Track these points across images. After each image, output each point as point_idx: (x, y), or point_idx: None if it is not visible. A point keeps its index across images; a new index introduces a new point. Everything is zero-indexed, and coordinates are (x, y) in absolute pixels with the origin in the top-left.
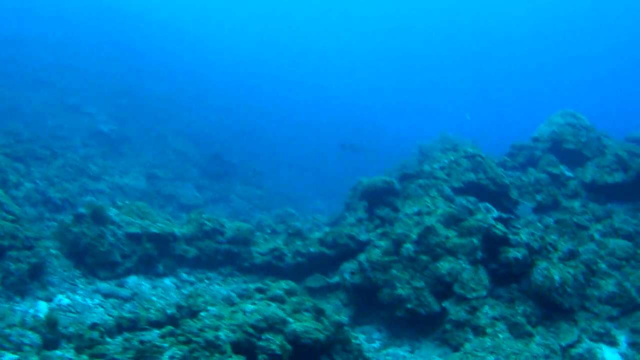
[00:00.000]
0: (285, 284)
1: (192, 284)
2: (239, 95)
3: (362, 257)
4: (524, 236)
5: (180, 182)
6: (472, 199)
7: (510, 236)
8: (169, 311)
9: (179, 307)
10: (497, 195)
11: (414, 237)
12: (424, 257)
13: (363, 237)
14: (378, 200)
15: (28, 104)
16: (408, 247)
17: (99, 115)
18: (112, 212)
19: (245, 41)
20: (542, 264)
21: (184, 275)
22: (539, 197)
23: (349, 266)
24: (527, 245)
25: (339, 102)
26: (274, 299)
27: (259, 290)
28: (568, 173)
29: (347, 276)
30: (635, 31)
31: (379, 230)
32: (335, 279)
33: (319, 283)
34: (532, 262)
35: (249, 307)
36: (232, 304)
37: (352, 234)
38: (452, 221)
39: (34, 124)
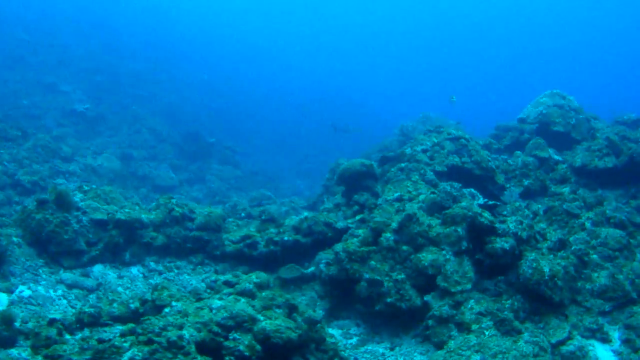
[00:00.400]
0: (256, 277)
1: (160, 273)
2: (219, 73)
3: (338, 246)
4: (511, 225)
5: (155, 162)
6: (456, 184)
7: (497, 225)
8: (132, 305)
9: (143, 301)
10: (483, 180)
11: (395, 225)
12: (405, 248)
13: (340, 224)
14: (356, 184)
15: (3, 83)
16: (388, 237)
17: (75, 93)
18: (78, 197)
19: (226, 18)
20: (531, 255)
21: (152, 264)
22: (526, 182)
23: (325, 256)
24: (515, 235)
25: (322, 81)
26: (243, 293)
27: (228, 284)
28: (557, 157)
29: (322, 267)
30: (621, 14)
31: (358, 217)
32: (311, 269)
33: (293, 274)
34: (521, 253)
35: (216, 302)
36: (199, 298)
37: (328, 221)
38: (435, 208)
39: (8, 104)
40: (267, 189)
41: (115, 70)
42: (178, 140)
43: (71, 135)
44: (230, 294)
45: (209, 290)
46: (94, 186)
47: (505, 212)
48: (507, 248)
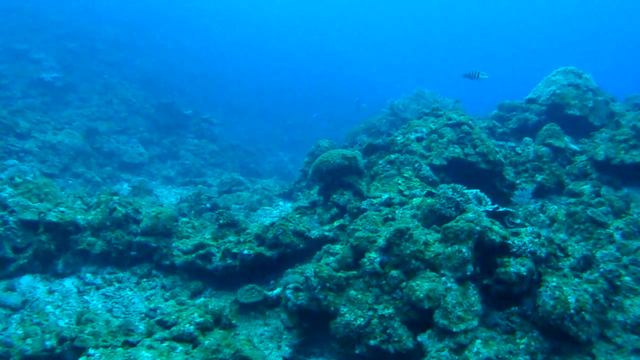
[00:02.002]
0: (202, 310)
1: (97, 287)
2: (199, 39)
3: (309, 269)
4: (526, 239)
5: (125, 136)
6: (459, 187)
7: (511, 241)
8: (48, 343)
9: (61, 339)
10: (489, 176)
11: (382, 242)
12: (394, 273)
13: (315, 232)
14: (336, 181)
15: None
16: (372, 258)
17: (47, 61)
18: (7, 192)
19: None
20: (552, 281)
21: (89, 276)
22: (539, 177)
23: (293, 278)
24: (533, 254)
25: (312, 49)
26: (181, 338)
27: (162, 324)
28: (574, 146)
29: (289, 294)
30: None
31: (336, 223)
32: (277, 291)
33: (254, 298)
34: (539, 277)
35: (143, 355)
36: (125, 341)
37: (300, 229)
38: (433, 218)
39: None
40: (246, 165)
41: (91, 36)
42: (151, 112)
43: (37, 108)
44: (164, 339)
45: (142, 328)
46: (29, 177)
47: (517, 220)
48: (524, 273)
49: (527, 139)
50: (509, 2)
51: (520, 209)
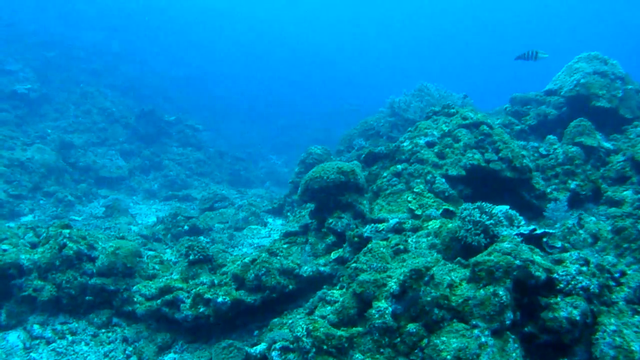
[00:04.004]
0: None
1: (47, 342)
2: (185, 42)
3: (299, 327)
4: (573, 268)
5: (104, 148)
6: (487, 205)
7: (557, 275)
8: None
9: None
10: (515, 185)
11: (394, 287)
12: (412, 327)
13: (307, 269)
14: (332, 200)
15: None
16: (382, 309)
17: (23, 72)
18: None
19: None
20: (610, 323)
21: (37, 328)
22: (573, 184)
23: (280, 334)
24: (585, 290)
25: (304, 47)
26: None
27: None
28: (607, 144)
29: (276, 357)
30: None
31: (334, 255)
32: (262, 346)
33: (231, 359)
34: (594, 319)
35: None
36: None
37: (288, 266)
38: (456, 248)
39: None
40: (236, 172)
41: (69, 44)
42: (132, 121)
43: (9, 122)
44: None
45: None
46: None
47: (557, 243)
48: (577, 318)
49: (552, 137)
50: None
51: (557, 226)
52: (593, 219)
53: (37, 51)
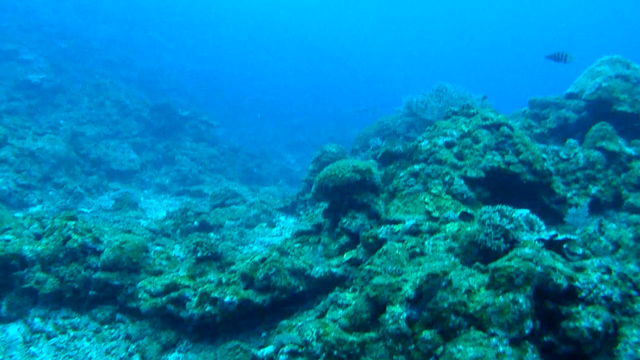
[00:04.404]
0: None
1: (48, 336)
2: (201, 37)
3: (309, 330)
4: (595, 277)
5: (116, 141)
6: (507, 209)
7: (579, 283)
8: None
9: None
10: (535, 189)
11: (409, 291)
12: (427, 334)
13: (319, 270)
14: (346, 200)
15: None
16: (397, 314)
17: (37, 62)
18: None
19: None
20: (632, 335)
21: (37, 322)
22: (594, 189)
23: (288, 337)
24: (607, 300)
25: (318, 45)
26: None
27: None
28: (629, 150)
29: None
30: None
31: (347, 257)
32: (270, 349)
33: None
34: (615, 331)
35: None
36: None
37: (299, 266)
38: (474, 252)
39: None
40: (249, 169)
41: (86, 35)
42: (145, 114)
43: (21, 111)
44: None
45: None
46: None
47: (578, 250)
48: (599, 328)
49: (572, 141)
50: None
51: (577, 232)
52: (614, 225)
53: (52, 41)
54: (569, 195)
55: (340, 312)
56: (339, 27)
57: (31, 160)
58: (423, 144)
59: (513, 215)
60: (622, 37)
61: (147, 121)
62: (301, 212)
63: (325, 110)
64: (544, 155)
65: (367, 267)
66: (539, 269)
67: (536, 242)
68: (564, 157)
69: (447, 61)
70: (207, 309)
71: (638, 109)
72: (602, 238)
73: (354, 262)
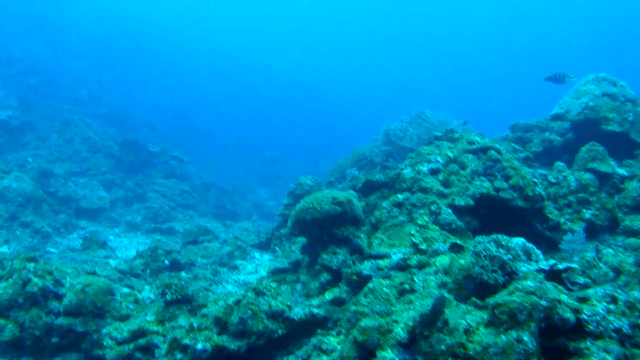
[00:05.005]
0: None
1: None
2: (171, 72)
3: None
4: (599, 306)
5: (85, 178)
6: (503, 238)
7: (585, 316)
8: None
9: None
10: (527, 215)
11: (401, 333)
12: None
13: (299, 311)
14: (326, 234)
15: None
16: (388, 359)
17: (5, 99)
18: None
19: (181, 11)
20: None
21: None
22: (588, 214)
23: None
24: (617, 332)
25: (290, 78)
26: None
27: None
28: (621, 171)
29: None
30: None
31: (329, 296)
32: None
33: None
34: None
35: None
36: None
37: (277, 307)
38: (470, 287)
39: None
40: (222, 205)
41: (54, 71)
42: (115, 150)
43: None
44: None
45: None
46: None
47: (579, 279)
48: None
49: (560, 164)
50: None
51: (574, 259)
52: (611, 250)
53: (20, 78)
54: (562, 220)
55: (325, 358)
56: (309, 60)
57: None
58: (406, 171)
59: (510, 244)
60: (603, 57)
61: (117, 157)
62: (277, 248)
63: (298, 143)
64: (534, 180)
65: (353, 307)
66: (543, 302)
67: (532, 270)
68: (553, 180)
69: (418, 89)
70: (178, 357)
71: (627, 128)
72: (601, 265)
73: (337, 302)
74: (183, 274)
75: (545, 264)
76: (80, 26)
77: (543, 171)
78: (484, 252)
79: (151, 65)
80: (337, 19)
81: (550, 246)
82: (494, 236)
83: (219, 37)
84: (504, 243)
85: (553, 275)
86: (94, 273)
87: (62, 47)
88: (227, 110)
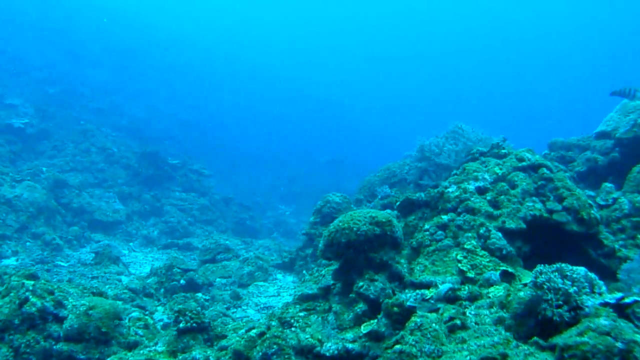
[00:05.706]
0: None
1: None
2: (194, 85)
3: None
4: None
5: (101, 190)
6: (567, 268)
7: None
8: None
9: None
10: (581, 240)
11: None
12: None
13: (331, 346)
14: (361, 258)
15: None
16: None
17: (23, 107)
18: None
19: (204, 23)
20: None
21: None
22: None
23: None
24: None
25: (312, 92)
26: None
27: None
28: None
29: None
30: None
31: (365, 329)
32: None
33: None
34: None
35: None
36: None
37: (306, 342)
38: (531, 323)
39: None
40: (242, 221)
41: (75, 81)
42: (133, 162)
43: (2, 157)
44: None
45: None
46: None
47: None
48: None
49: (608, 185)
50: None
51: (634, 290)
52: None
53: (39, 86)
54: (616, 246)
55: None
56: (334, 75)
57: (7, 209)
58: (450, 189)
59: (574, 275)
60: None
61: (135, 169)
62: (304, 271)
63: (320, 159)
64: (589, 202)
65: (398, 347)
66: (619, 345)
67: (597, 304)
68: (602, 203)
69: (445, 108)
70: None
71: None
72: None
73: (375, 337)
74: (199, 295)
75: (610, 297)
76: (103, 37)
77: (591, 192)
78: (547, 284)
79: (174, 77)
80: (360, 38)
81: (604, 274)
82: (557, 265)
83: (243, 52)
84: (568, 273)
85: (618, 310)
86: (100, 294)
87: (84, 58)
88: (250, 125)
